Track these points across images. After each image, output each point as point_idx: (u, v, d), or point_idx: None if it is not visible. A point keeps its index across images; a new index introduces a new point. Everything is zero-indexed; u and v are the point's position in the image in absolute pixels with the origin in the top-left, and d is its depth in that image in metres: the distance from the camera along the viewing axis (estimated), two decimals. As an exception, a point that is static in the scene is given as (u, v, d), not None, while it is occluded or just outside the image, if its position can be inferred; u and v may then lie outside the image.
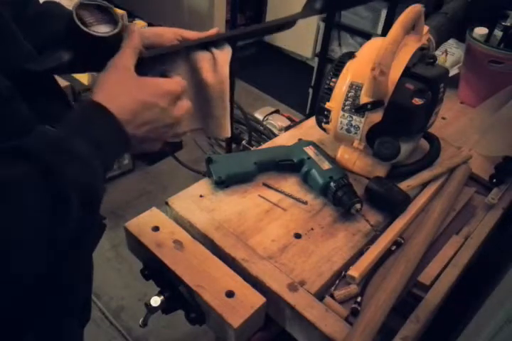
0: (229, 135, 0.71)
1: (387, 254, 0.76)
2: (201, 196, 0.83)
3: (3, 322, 0.54)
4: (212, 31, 0.64)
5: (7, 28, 0.50)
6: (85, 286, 0.71)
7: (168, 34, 0.64)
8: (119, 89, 0.51)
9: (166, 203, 0.81)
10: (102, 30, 0.55)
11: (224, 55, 0.64)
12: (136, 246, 0.75)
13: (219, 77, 0.64)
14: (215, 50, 0.63)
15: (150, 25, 1.98)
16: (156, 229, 0.75)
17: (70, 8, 0.54)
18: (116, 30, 0.55)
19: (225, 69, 0.64)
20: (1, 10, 0.49)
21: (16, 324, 0.56)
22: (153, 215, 0.78)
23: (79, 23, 0.53)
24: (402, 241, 0.78)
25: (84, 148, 0.45)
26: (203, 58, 0.62)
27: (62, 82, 1.83)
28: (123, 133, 0.50)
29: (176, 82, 0.56)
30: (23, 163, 0.40)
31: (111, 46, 0.55)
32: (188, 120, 0.66)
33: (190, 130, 0.68)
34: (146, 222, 0.77)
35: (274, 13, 3.08)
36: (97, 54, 0.54)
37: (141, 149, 0.56)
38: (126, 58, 0.54)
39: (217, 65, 0.63)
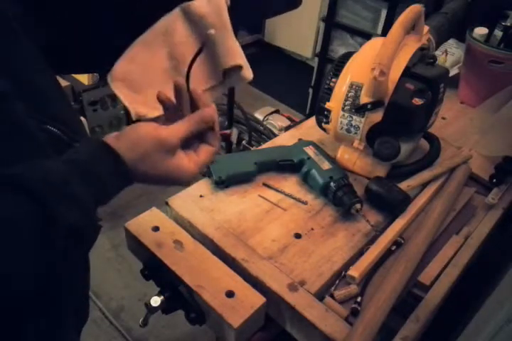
0: (240, 61, 0.64)
1: (387, 254, 0.76)
2: (201, 196, 0.83)
3: (2, 321, 0.54)
4: None
5: (7, 26, 0.49)
6: (83, 286, 0.71)
7: None
8: (137, 152, 0.49)
9: (166, 203, 0.81)
10: None
11: None
12: (136, 246, 0.75)
13: (214, 5, 0.60)
14: None
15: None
16: (156, 229, 0.75)
17: None
18: None
19: (220, 1, 0.61)
20: (1, 8, 0.49)
21: (14, 324, 0.56)
22: (153, 215, 0.78)
23: None
24: (402, 241, 0.78)
25: (85, 191, 0.44)
26: (196, 2, 0.60)
27: (63, 82, 1.84)
28: (129, 183, 0.49)
29: (200, 164, 0.54)
30: (25, 201, 0.39)
31: None
32: (201, 76, 0.63)
33: (206, 89, 0.64)
34: (146, 221, 0.77)
35: (274, 13, 3.07)
36: None
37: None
38: (177, 130, 0.51)
39: (211, 1, 0.60)
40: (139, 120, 0.63)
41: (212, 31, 0.60)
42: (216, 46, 0.62)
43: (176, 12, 0.61)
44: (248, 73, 0.65)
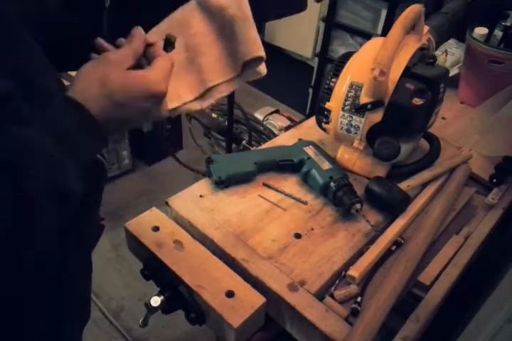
0: (261, 53, 0.62)
1: (387, 254, 0.76)
2: (201, 196, 0.83)
3: (3, 322, 0.54)
4: None
5: (9, 24, 0.48)
6: (85, 286, 0.71)
7: None
8: (97, 88, 0.49)
9: (166, 203, 0.81)
10: None
11: None
12: (136, 246, 0.75)
13: None
14: None
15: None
16: (156, 229, 0.75)
17: None
18: None
19: None
20: (2, 6, 0.48)
21: (17, 324, 0.56)
22: (153, 215, 0.78)
23: None
24: (402, 241, 0.78)
25: (52, 144, 0.43)
26: None
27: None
28: (99, 132, 0.49)
29: (164, 78, 0.53)
30: None
31: None
32: (218, 67, 0.62)
33: (223, 81, 0.62)
34: (146, 221, 0.77)
35: (274, 13, 3.07)
36: None
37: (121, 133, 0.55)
38: (121, 54, 0.52)
39: None
40: None
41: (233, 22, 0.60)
42: (237, 37, 0.61)
43: (193, 3, 0.60)
44: (264, 68, 0.64)
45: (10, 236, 0.40)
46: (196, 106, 0.62)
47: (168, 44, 0.57)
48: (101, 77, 0.49)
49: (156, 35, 0.60)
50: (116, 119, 0.50)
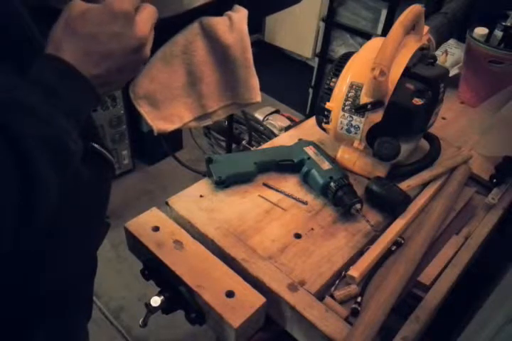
0: (259, 98, 0.67)
1: (387, 254, 0.76)
2: (201, 196, 0.83)
3: (10, 321, 0.54)
4: None
5: (22, 21, 0.47)
6: (88, 285, 0.71)
7: None
8: (63, 32, 0.47)
9: (166, 203, 0.81)
10: None
11: (239, 14, 0.61)
12: (137, 246, 0.75)
13: (237, 35, 0.61)
14: (229, 13, 0.61)
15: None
16: (156, 229, 0.75)
17: None
18: None
19: (242, 26, 0.61)
20: (15, 4, 0.47)
21: (21, 323, 0.56)
22: (153, 215, 0.78)
23: None
24: (402, 241, 0.78)
25: (36, 99, 0.42)
26: (217, 21, 0.60)
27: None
28: (78, 76, 0.46)
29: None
30: None
31: None
32: (216, 96, 0.64)
33: (219, 109, 0.66)
34: (146, 221, 0.76)
35: (274, 13, 3.08)
36: None
37: (117, 84, 0.52)
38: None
39: (233, 24, 0.60)
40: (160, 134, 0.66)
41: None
42: (237, 79, 0.64)
43: (196, 27, 0.61)
44: (259, 96, 0.68)
45: (15, 197, 0.39)
46: (194, 124, 0.66)
47: None
48: (65, 21, 0.47)
49: (164, 63, 0.61)
50: (90, 52, 0.47)
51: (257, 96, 0.66)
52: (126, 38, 0.49)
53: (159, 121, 0.64)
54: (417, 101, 0.78)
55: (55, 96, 0.44)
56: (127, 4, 0.48)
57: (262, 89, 0.67)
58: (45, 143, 0.41)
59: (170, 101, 0.63)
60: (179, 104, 0.64)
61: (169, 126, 0.64)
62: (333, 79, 0.86)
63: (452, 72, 1.18)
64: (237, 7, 0.62)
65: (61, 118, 0.44)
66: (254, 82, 0.66)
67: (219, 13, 0.61)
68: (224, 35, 0.61)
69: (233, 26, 0.61)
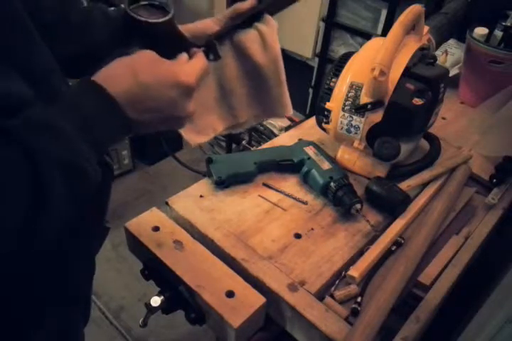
0: (291, 112, 0.69)
1: (387, 254, 0.76)
2: (201, 196, 0.83)
3: (10, 321, 0.54)
4: (248, 3, 0.60)
5: (25, 25, 0.47)
6: (86, 287, 0.71)
7: (206, 22, 0.62)
8: (125, 71, 0.47)
9: (166, 203, 0.81)
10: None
11: (270, 29, 0.61)
12: (137, 246, 0.75)
13: (271, 55, 0.61)
14: (260, 26, 0.60)
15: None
16: (156, 229, 0.75)
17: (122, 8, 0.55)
18: (169, 15, 0.55)
19: (275, 46, 0.61)
20: (17, 7, 0.47)
21: (20, 323, 0.56)
22: (153, 215, 0.78)
23: (133, 14, 0.53)
24: (402, 241, 0.78)
25: (69, 125, 0.42)
26: (249, 39, 0.60)
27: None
28: (118, 114, 0.46)
29: (194, 73, 0.51)
30: (3, 144, 0.38)
31: (164, 35, 0.54)
32: (248, 107, 0.65)
33: (250, 118, 0.67)
34: (146, 221, 0.76)
35: (274, 13, 3.08)
36: (152, 46, 0.52)
37: (150, 132, 0.53)
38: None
39: (266, 43, 0.60)
40: None
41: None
42: (269, 95, 0.65)
43: (228, 46, 0.61)
44: (290, 110, 0.70)
45: (26, 210, 0.39)
46: (226, 132, 0.69)
47: (209, 50, 0.56)
48: (130, 62, 0.48)
49: None
50: (141, 102, 0.48)
51: (290, 111, 0.68)
52: (178, 107, 0.50)
53: (194, 135, 0.65)
54: (417, 101, 0.78)
55: (88, 127, 0.44)
56: (194, 80, 0.50)
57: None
58: (64, 167, 0.41)
59: (203, 115, 0.64)
60: (212, 116, 0.65)
61: (204, 138, 0.66)
62: (333, 79, 0.86)
63: (452, 72, 1.18)
64: (266, 18, 0.61)
65: (87, 146, 0.44)
66: (287, 99, 0.67)
67: (248, 24, 0.60)
68: (256, 55, 0.60)
69: (266, 45, 0.61)
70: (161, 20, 0.54)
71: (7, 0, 0.44)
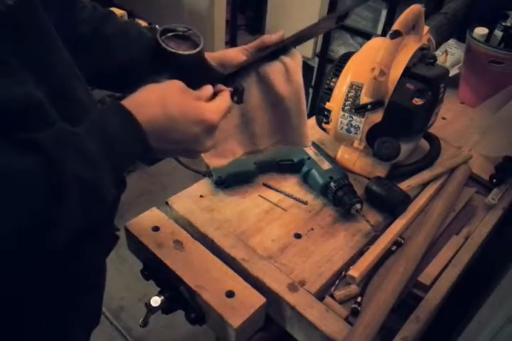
0: (309, 144, 0.71)
1: (387, 254, 0.76)
2: (201, 196, 0.83)
3: (6, 321, 0.54)
4: (277, 36, 0.62)
5: (48, 33, 0.49)
6: (96, 287, 0.71)
7: (233, 52, 0.64)
8: (154, 100, 0.49)
9: (166, 203, 0.81)
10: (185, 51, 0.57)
11: (295, 62, 0.63)
12: (137, 246, 0.75)
13: (293, 87, 0.63)
14: (285, 59, 0.62)
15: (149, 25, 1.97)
16: (156, 229, 0.75)
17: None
18: (199, 48, 0.57)
19: (298, 78, 0.63)
20: (44, 16, 0.48)
21: (18, 323, 0.56)
22: (153, 215, 0.78)
23: (164, 45, 0.56)
24: (402, 241, 0.78)
25: (94, 147, 0.43)
26: (273, 71, 0.61)
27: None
28: (142, 142, 0.48)
29: (219, 112, 0.53)
30: (31, 154, 0.40)
31: (193, 66, 0.57)
32: (268, 135, 0.68)
33: (269, 145, 0.69)
34: (146, 221, 0.77)
35: (274, 13, 3.08)
36: (181, 76, 0.54)
37: (164, 158, 0.55)
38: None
39: (289, 75, 0.62)
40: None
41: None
42: (289, 125, 0.67)
43: (254, 77, 0.62)
44: (308, 142, 0.71)
45: (38, 219, 0.40)
46: (244, 156, 0.70)
47: (235, 93, 0.58)
48: (159, 92, 0.50)
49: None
50: (165, 133, 0.49)
51: (307, 142, 0.70)
52: (199, 143, 0.53)
53: (214, 158, 0.67)
54: (417, 101, 0.78)
55: (112, 151, 0.45)
56: (218, 119, 0.52)
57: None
58: (84, 186, 0.42)
59: (224, 140, 0.66)
60: (232, 142, 0.67)
61: (223, 161, 0.68)
62: (333, 79, 0.86)
63: (452, 72, 1.18)
64: (292, 51, 0.63)
65: (107, 168, 0.45)
66: (305, 129, 0.68)
67: (274, 56, 0.62)
68: (280, 86, 0.62)
69: (289, 78, 0.62)
70: (191, 52, 0.57)
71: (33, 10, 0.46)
